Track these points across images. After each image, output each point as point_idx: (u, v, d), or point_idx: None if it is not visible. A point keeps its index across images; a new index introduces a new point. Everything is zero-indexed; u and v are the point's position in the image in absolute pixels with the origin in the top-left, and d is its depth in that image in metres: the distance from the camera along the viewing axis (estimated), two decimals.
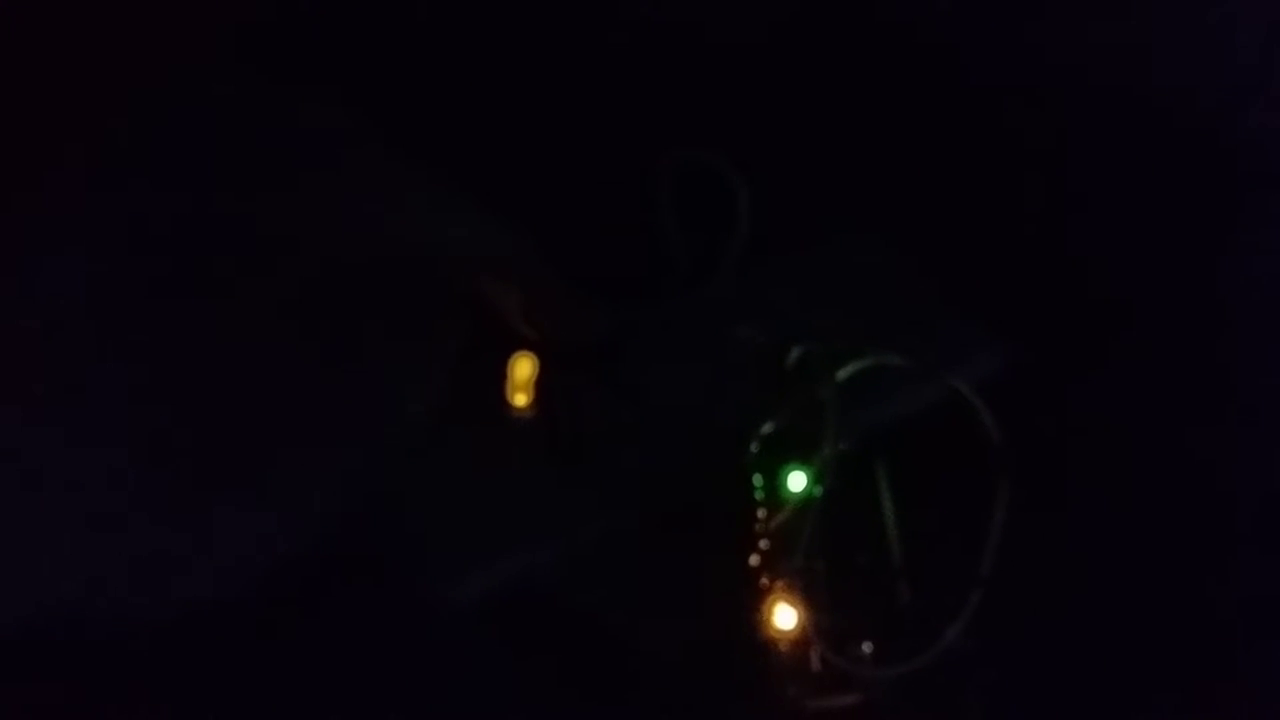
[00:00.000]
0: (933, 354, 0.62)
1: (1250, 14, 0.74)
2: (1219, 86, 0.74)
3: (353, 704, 0.56)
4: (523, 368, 0.63)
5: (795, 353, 0.63)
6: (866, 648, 0.57)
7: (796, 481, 0.59)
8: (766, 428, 0.61)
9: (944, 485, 0.61)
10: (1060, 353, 0.66)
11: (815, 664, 0.57)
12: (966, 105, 0.75)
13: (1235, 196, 0.72)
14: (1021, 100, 0.74)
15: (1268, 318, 0.69)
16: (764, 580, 0.58)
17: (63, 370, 0.47)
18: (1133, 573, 0.60)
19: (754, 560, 0.58)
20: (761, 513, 0.59)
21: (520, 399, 0.63)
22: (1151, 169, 0.73)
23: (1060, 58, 0.75)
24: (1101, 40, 0.75)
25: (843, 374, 0.61)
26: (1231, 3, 0.74)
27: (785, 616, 0.57)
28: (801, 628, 0.57)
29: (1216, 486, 0.62)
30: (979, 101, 0.74)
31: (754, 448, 0.60)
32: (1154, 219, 0.72)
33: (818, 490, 0.58)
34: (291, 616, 0.55)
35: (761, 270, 0.70)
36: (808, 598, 0.58)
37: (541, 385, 0.63)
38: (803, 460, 0.59)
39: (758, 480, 0.59)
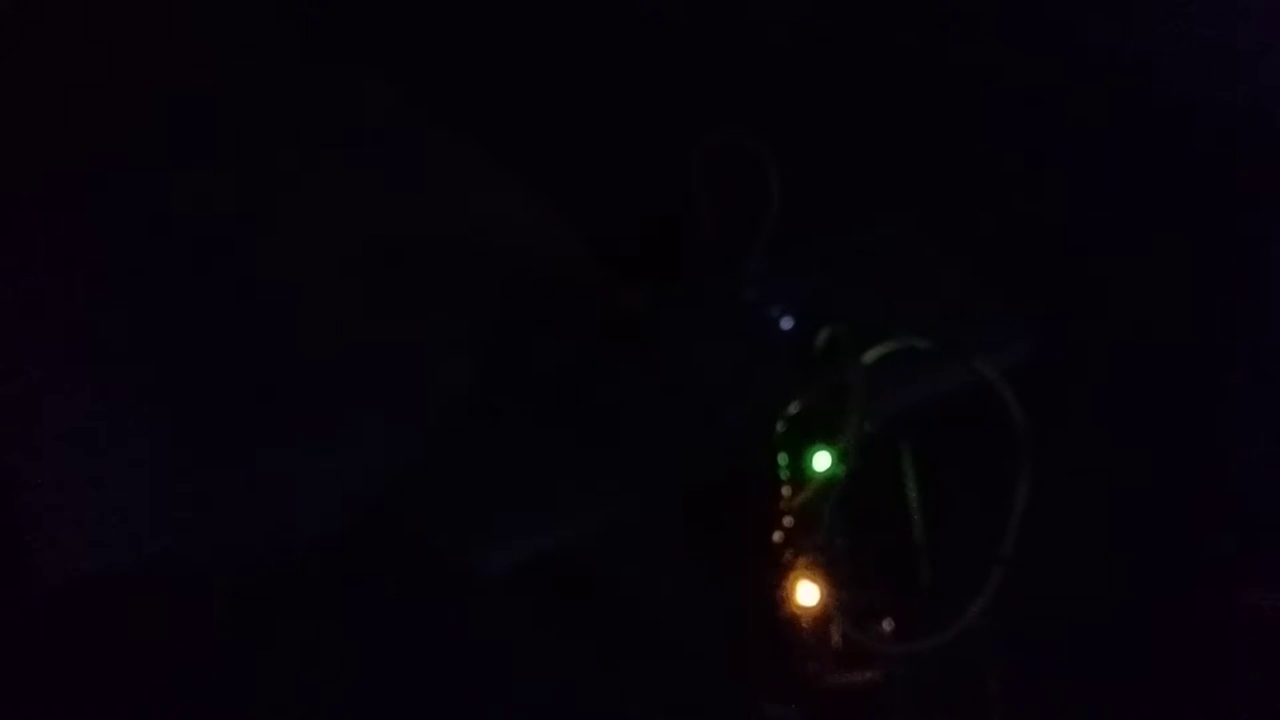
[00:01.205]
0: (962, 338, 0.63)
1: (1255, 11, 0.74)
2: (1245, 80, 0.74)
3: (385, 672, 0.58)
4: None
5: (824, 334, 0.64)
6: (887, 625, 0.58)
7: (821, 461, 0.60)
8: (793, 407, 0.61)
9: (968, 467, 0.61)
10: (1086, 338, 0.66)
11: (836, 640, 0.58)
12: (1002, 92, 0.75)
13: (1261, 188, 0.72)
14: (1055, 88, 0.74)
15: None
16: (787, 557, 0.59)
17: (99, 339, 0.48)
18: (1151, 556, 0.61)
19: (778, 537, 0.59)
20: (786, 491, 0.60)
21: None
22: (1179, 157, 0.73)
23: (1095, 46, 0.75)
24: (1137, 32, 0.75)
25: (870, 356, 0.61)
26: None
27: (807, 593, 0.58)
28: (823, 604, 0.58)
29: (1237, 473, 0.63)
30: (1015, 88, 0.75)
31: (780, 427, 0.61)
32: (1187, 210, 0.72)
33: (842, 470, 0.59)
34: (323, 588, 0.56)
35: (794, 251, 0.70)
36: (830, 575, 0.58)
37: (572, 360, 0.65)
38: (828, 440, 0.60)
39: (783, 459, 0.60)
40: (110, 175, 0.50)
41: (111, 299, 0.48)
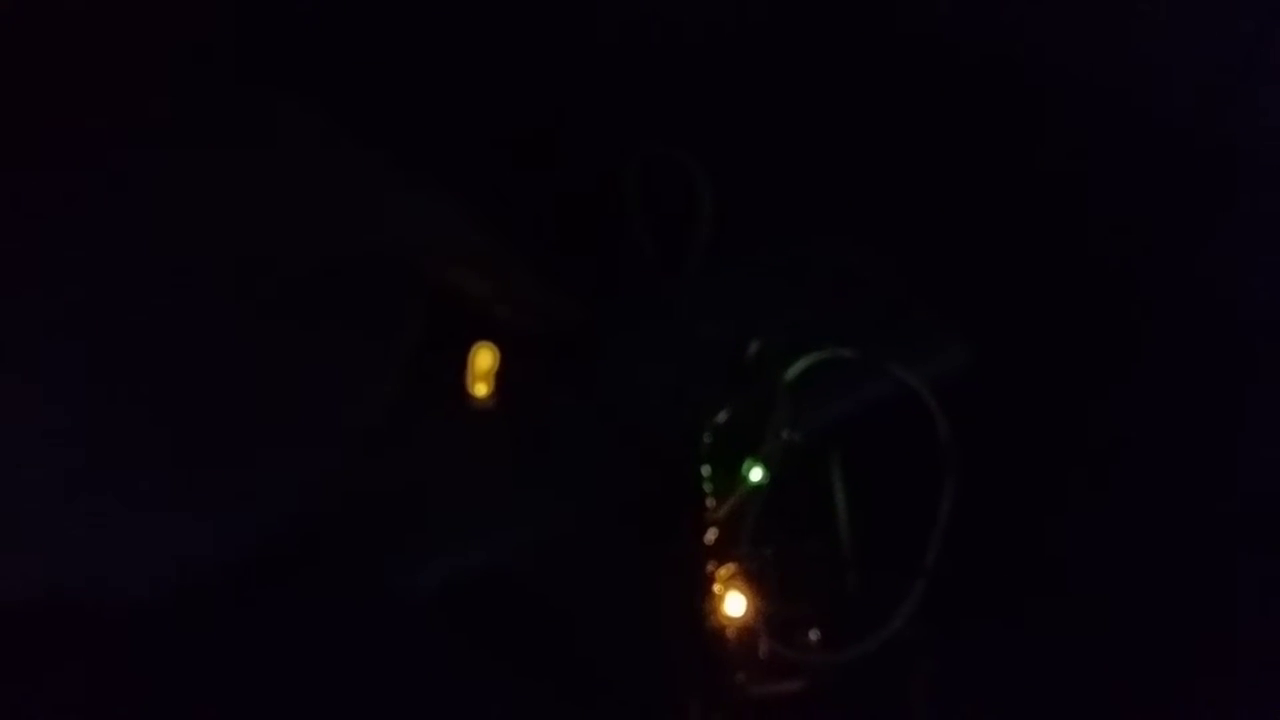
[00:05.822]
0: (891, 349, 0.64)
1: (1247, 9, 0.74)
2: (1205, 81, 0.74)
3: (312, 696, 0.57)
4: (484, 358, 0.64)
5: (754, 346, 0.64)
6: (814, 635, 0.59)
7: (746, 471, 0.60)
8: (721, 418, 0.62)
9: (896, 476, 0.62)
10: (1013, 351, 0.67)
11: (764, 650, 0.58)
12: (933, 102, 0.75)
13: (1203, 200, 0.73)
14: (991, 96, 0.75)
15: (1230, 327, 0.69)
16: (714, 568, 0.59)
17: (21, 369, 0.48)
18: (1072, 564, 0.61)
19: (704, 548, 0.60)
20: (711, 502, 0.60)
21: (481, 389, 0.64)
22: (1123, 168, 0.73)
23: (1034, 51, 0.76)
24: (1080, 33, 0.76)
25: (797, 367, 0.62)
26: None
27: (735, 604, 0.59)
28: (751, 615, 0.59)
29: (1159, 492, 0.63)
30: (946, 98, 0.75)
31: (707, 438, 0.61)
32: (1120, 224, 0.72)
33: (766, 479, 0.59)
34: (249, 610, 0.56)
35: (727, 265, 0.71)
36: (757, 585, 0.59)
37: (504, 376, 0.64)
38: (753, 451, 0.60)
39: (706, 471, 0.60)
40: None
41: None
